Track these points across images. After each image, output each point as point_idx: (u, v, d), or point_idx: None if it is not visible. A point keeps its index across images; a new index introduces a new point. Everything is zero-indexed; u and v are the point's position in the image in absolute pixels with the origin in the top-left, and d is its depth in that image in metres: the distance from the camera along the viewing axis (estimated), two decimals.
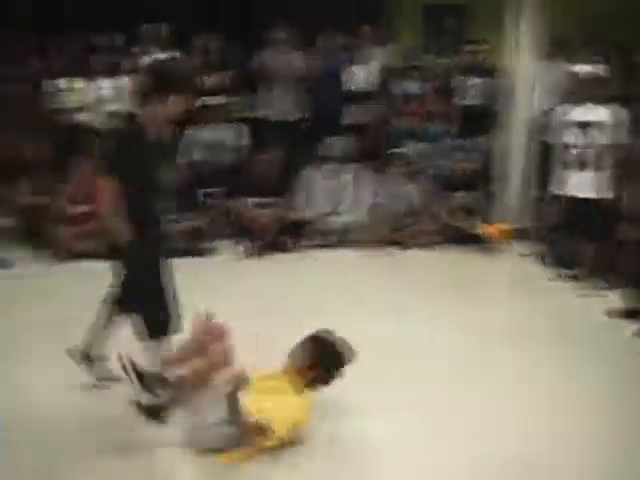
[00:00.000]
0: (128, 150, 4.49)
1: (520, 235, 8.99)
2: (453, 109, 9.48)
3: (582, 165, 7.37)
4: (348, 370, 4.73)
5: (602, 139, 7.25)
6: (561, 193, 7.58)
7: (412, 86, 9.76)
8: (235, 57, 9.59)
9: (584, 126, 7.33)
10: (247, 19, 10.58)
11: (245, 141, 9.31)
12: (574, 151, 7.41)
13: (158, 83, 4.55)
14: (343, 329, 5.48)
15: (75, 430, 4.63)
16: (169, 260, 4.92)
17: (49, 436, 4.56)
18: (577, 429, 4.84)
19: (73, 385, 5.10)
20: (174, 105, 4.56)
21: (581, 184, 7.38)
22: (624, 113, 7.25)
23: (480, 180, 9.21)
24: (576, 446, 4.64)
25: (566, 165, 7.48)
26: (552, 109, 8.12)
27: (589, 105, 7.34)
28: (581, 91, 7.41)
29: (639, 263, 7.04)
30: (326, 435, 4.64)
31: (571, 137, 7.42)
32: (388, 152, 8.78)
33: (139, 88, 4.70)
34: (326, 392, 4.77)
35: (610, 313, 6.74)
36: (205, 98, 9.07)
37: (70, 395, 5.03)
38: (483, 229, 8.62)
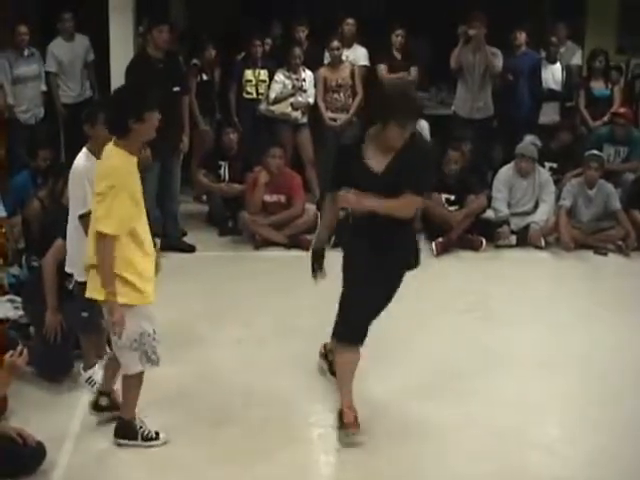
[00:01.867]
0: None
1: None
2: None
3: None
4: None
5: None
6: None
7: (600, 88, 9.50)
8: (423, 53, 9.58)
9: None
10: (437, 15, 10.54)
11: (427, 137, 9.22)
12: None
13: None
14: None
15: None
16: None
17: None
18: None
19: None
20: None
21: None
22: None
23: None
24: None
25: None
26: None
27: None
28: None
29: None
30: None
31: None
32: (584, 154, 8.51)
33: None
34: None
35: None
36: None
37: None
38: None
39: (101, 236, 4.31)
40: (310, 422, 5.10)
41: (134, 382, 4.66)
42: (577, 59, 10.16)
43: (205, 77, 9.41)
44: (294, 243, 8.11)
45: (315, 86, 9.28)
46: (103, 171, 4.43)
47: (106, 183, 4.32)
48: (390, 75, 9.38)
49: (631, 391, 5.47)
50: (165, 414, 4.97)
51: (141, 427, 4.73)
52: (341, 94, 9.32)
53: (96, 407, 4.96)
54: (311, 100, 9.26)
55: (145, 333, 4.53)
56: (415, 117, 4.77)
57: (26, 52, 9.03)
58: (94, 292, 4.49)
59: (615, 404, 5.28)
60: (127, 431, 4.71)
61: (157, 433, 4.73)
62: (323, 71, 9.34)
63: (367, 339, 4.79)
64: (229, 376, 5.56)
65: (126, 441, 4.71)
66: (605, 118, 9.40)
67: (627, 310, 6.84)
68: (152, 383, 4.77)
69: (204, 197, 9.26)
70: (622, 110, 9.20)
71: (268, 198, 8.30)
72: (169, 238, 7.93)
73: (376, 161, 4.63)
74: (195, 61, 9.29)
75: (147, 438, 4.71)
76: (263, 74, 9.37)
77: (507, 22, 9.86)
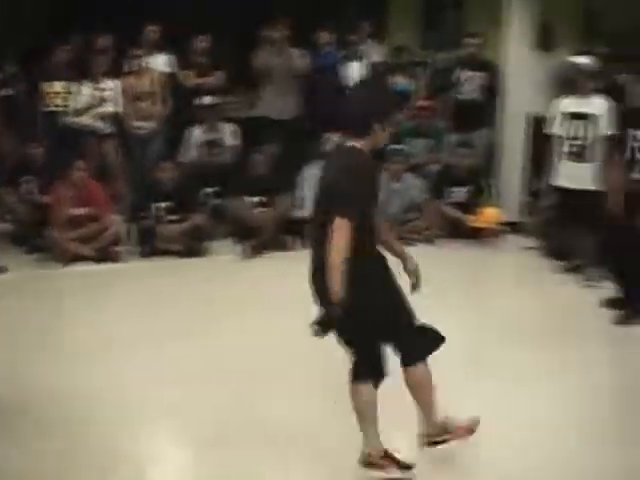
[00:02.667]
0: None
1: (520, 229, 8.99)
2: (446, 104, 9.47)
3: (577, 156, 7.30)
4: None
5: (596, 130, 7.17)
6: (557, 185, 7.49)
7: (402, 82, 9.75)
8: (227, 57, 9.60)
9: (578, 118, 7.26)
10: (241, 18, 10.55)
11: (237, 140, 9.29)
12: (569, 143, 7.34)
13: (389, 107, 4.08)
14: None
15: None
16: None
17: None
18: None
19: None
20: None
21: (576, 176, 7.31)
22: (612, 104, 7.18)
23: (479, 175, 9.18)
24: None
25: (562, 157, 7.40)
26: (552, 100, 8.08)
27: (582, 97, 7.26)
28: (580, 83, 7.31)
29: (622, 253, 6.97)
30: None
31: (566, 129, 7.35)
32: (387, 149, 8.70)
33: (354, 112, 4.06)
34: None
35: (602, 303, 6.81)
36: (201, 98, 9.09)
37: None
38: (474, 219, 8.52)
39: None
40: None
41: None
42: (378, 57, 10.37)
43: (8, 92, 9.17)
44: (102, 256, 7.99)
45: (121, 95, 9.17)
46: None
47: None
48: (195, 80, 9.39)
49: None
50: None
51: None
52: (146, 102, 9.24)
53: None
54: (116, 109, 9.13)
55: None
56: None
57: None
58: None
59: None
60: None
61: None
62: (127, 79, 9.23)
63: None
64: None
65: None
66: (409, 112, 9.64)
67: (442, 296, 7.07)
68: None
69: (7, 216, 8.97)
70: (425, 103, 9.46)
71: (74, 212, 8.13)
72: None
73: None
74: None
75: None
76: (66, 86, 9.17)
77: (313, 22, 10.03)
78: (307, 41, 9.81)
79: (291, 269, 6.71)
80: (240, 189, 8.47)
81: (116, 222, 8.21)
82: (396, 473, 4.13)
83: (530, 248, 8.51)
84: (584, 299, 7.07)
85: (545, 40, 9.52)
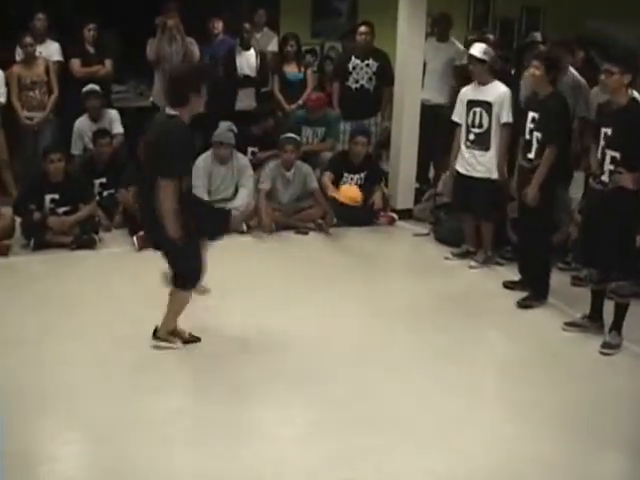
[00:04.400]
0: None
1: (412, 215, 9.15)
2: (340, 92, 9.53)
3: (476, 144, 7.43)
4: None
5: (491, 118, 7.30)
6: (459, 172, 7.61)
7: (293, 72, 9.78)
8: (116, 46, 9.49)
9: (476, 106, 7.39)
10: (133, 5, 10.45)
11: (119, 129, 9.16)
12: (469, 130, 7.45)
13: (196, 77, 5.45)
14: (240, 321, 5.60)
15: None
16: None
17: None
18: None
19: None
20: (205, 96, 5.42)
21: (474, 163, 7.45)
22: (508, 91, 7.33)
23: (374, 162, 9.29)
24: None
25: (464, 144, 7.52)
26: (455, 88, 8.20)
27: (480, 85, 7.38)
28: (476, 71, 7.40)
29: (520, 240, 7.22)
30: None
31: (466, 117, 7.46)
32: (280, 137, 8.73)
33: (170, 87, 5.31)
34: None
35: (504, 284, 7.16)
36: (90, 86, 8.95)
37: None
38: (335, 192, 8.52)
39: None
40: None
41: None
42: (273, 45, 10.39)
43: None
44: None
45: (7, 85, 8.96)
46: None
47: None
48: (83, 69, 9.25)
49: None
50: None
51: None
52: (36, 91, 9.07)
53: None
54: (2, 100, 8.93)
55: None
56: None
57: None
58: None
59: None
60: None
61: None
62: (16, 69, 9.03)
63: None
64: None
65: None
66: (300, 101, 9.68)
67: (334, 283, 7.23)
68: None
69: None
70: (314, 97, 9.48)
71: None
72: None
73: None
74: None
75: None
76: None
77: (206, 10, 9.98)
78: (201, 29, 9.76)
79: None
80: (131, 179, 8.36)
81: (6, 215, 8.03)
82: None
83: (423, 234, 8.66)
84: (478, 282, 7.35)
85: (438, 29, 9.67)
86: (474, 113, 7.40)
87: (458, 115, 7.59)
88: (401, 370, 5.55)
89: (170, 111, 5.25)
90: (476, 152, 7.41)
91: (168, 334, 5.69)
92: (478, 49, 7.33)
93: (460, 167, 7.59)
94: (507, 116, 7.26)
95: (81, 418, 4.85)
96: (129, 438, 4.61)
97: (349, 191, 8.34)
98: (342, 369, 5.51)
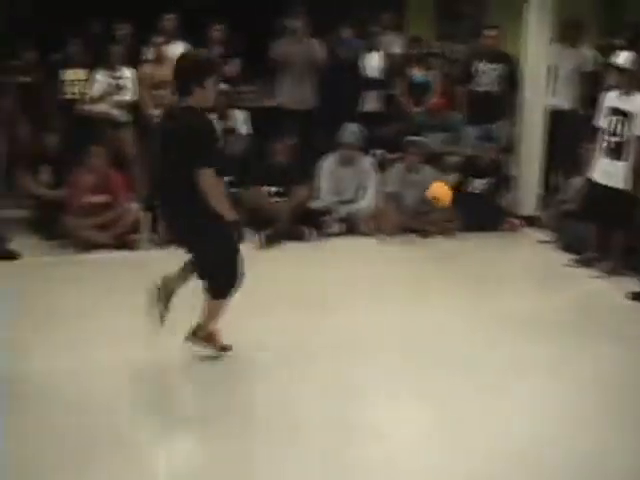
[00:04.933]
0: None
1: (537, 222, 8.97)
2: (465, 96, 9.43)
3: (613, 153, 7.22)
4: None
5: (633, 129, 7.06)
6: (593, 178, 7.41)
7: (418, 74, 9.72)
8: (244, 46, 9.57)
9: (618, 114, 7.18)
10: (260, 8, 10.54)
11: (248, 129, 9.25)
12: (608, 138, 7.24)
13: (198, 70, 4.93)
14: (361, 319, 5.53)
15: None
16: None
17: None
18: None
19: None
20: (211, 90, 4.97)
21: (609, 172, 7.24)
22: None
23: (499, 167, 9.15)
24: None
25: (601, 151, 7.31)
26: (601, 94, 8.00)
27: (625, 93, 7.14)
28: (621, 79, 7.20)
29: None
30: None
31: (607, 123, 7.23)
32: (405, 140, 8.69)
33: (175, 76, 5.01)
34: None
35: (630, 295, 6.89)
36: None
37: None
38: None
39: None
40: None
41: None
42: (398, 47, 10.35)
43: (25, 79, 9.16)
44: (120, 243, 7.99)
45: (138, 83, 9.16)
46: None
47: None
48: None
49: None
50: None
51: None
52: (165, 90, 9.22)
53: None
54: (132, 98, 9.12)
55: None
56: None
57: None
58: None
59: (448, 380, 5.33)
60: None
61: None
62: (147, 68, 9.21)
63: None
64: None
65: None
66: (425, 105, 9.61)
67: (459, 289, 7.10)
68: None
69: (25, 203, 8.97)
70: (436, 101, 9.41)
71: (92, 199, 8.13)
72: None
73: None
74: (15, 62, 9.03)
75: None
76: (82, 73, 9.17)
77: (332, 13, 10.00)
78: (328, 32, 9.79)
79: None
80: (257, 178, 8.46)
81: (134, 210, 8.20)
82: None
83: (545, 242, 8.48)
84: (603, 292, 7.11)
85: (568, 33, 9.46)
86: (614, 121, 7.19)
87: (599, 120, 7.40)
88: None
89: (182, 102, 4.98)
90: (612, 161, 7.21)
91: (204, 337, 5.38)
92: (623, 58, 7.14)
93: (595, 174, 7.39)
94: None
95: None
96: None
97: (437, 190, 8.16)
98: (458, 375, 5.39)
